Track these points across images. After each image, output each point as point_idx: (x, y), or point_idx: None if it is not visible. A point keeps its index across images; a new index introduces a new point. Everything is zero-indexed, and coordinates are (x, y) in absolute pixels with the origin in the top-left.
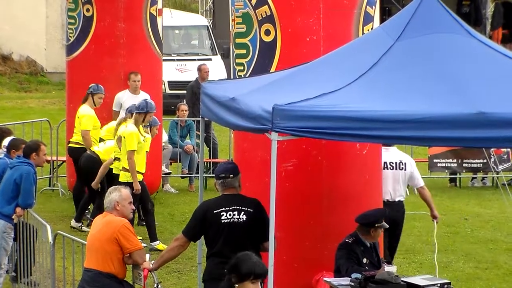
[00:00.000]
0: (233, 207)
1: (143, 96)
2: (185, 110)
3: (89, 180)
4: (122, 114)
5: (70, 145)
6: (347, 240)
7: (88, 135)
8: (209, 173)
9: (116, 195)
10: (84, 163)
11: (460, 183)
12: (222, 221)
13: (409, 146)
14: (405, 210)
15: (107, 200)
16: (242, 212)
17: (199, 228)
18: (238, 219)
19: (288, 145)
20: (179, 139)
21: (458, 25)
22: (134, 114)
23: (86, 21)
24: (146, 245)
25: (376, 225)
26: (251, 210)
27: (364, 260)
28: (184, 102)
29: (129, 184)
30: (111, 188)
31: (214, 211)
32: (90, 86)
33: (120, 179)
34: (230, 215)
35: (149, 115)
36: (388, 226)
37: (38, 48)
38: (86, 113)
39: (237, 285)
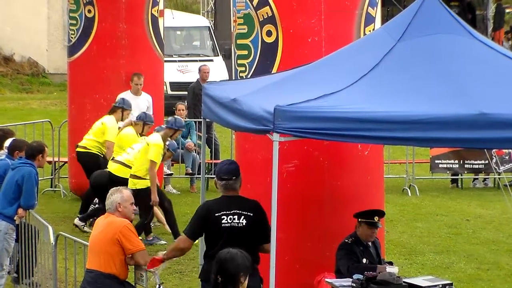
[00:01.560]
0: (234, 211)
1: (144, 97)
2: (183, 110)
3: (102, 193)
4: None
5: (78, 149)
6: (346, 241)
7: (112, 147)
8: (211, 174)
9: (117, 196)
10: (98, 178)
11: (461, 184)
12: (223, 225)
13: (410, 147)
14: (407, 211)
15: (109, 201)
16: (243, 217)
17: (199, 228)
18: (238, 224)
19: (289, 146)
20: (180, 139)
21: (460, 26)
22: (165, 129)
23: (87, 22)
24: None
25: (360, 219)
26: (251, 214)
27: (364, 260)
28: (184, 102)
29: (137, 191)
30: (112, 189)
31: (216, 214)
32: (119, 100)
33: (130, 186)
34: (230, 219)
35: (178, 132)
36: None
37: (39, 49)
38: (112, 125)
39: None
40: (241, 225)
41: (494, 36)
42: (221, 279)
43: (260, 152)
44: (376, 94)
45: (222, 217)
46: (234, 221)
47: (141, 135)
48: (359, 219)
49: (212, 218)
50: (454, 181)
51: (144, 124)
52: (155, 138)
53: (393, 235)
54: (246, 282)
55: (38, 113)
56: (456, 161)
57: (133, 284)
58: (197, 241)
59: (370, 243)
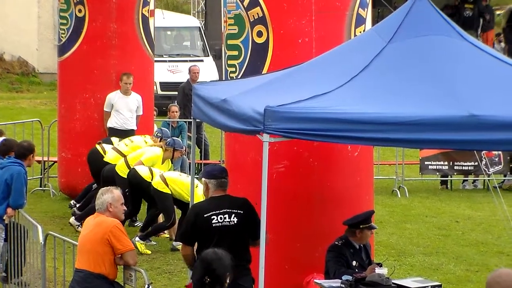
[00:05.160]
0: (224, 210)
1: (134, 97)
2: (176, 111)
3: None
4: (114, 115)
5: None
6: (336, 243)
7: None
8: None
9: (108, 196)
10: (107, 173)
11: (451, 185)
12: (213, 225)
13: (400, 148)
14: (396, 212)
15: (99, 201)
16: (233, 215)
17: (190, 232)
18: (229, 222)
19: (279, 147)
20: None
21: (450, 27)
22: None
23: (78, 22)
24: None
25: (361, 226)
26: (242, 212)
27: (354, 263)
28: (176, 103)
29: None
30: (102, 189)
31: (205, 215)
32: (171, 142)
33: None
34: (221, 218)
35: (177, 152)
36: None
37: (29, 49)
38: (155, 154)
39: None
40: (233, 223)
41: (483, 37)
42: (209, 279)
43: (250, 152)
44: (367, 95)
45: (212, 217)
46: (225, 220)
47: (172, 161)
48: (361, 226)
49: (200, 220)
50: (443, 182)
51: (174, 150)
52: (155, 150)
53: (382, 237)
54: (228, 282)
55: (27, 112)
56: (446, 163)
57: (122, 284)
58: None
59: (361, 245)
